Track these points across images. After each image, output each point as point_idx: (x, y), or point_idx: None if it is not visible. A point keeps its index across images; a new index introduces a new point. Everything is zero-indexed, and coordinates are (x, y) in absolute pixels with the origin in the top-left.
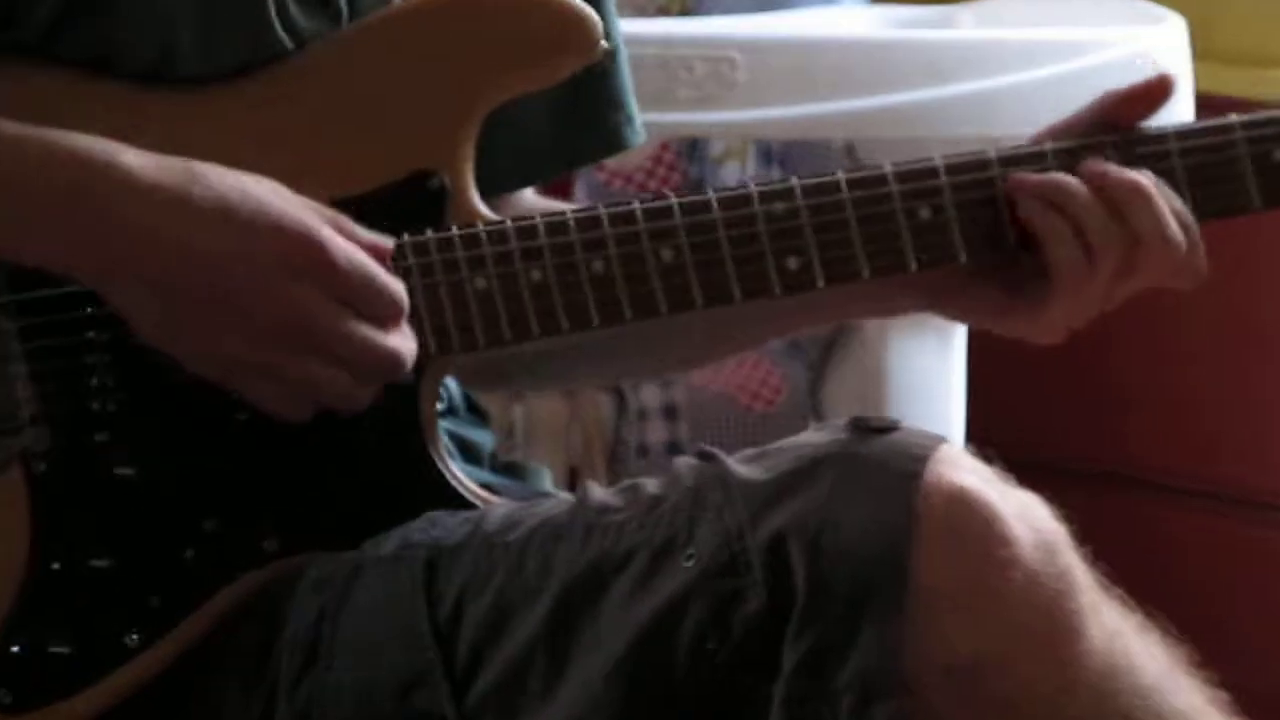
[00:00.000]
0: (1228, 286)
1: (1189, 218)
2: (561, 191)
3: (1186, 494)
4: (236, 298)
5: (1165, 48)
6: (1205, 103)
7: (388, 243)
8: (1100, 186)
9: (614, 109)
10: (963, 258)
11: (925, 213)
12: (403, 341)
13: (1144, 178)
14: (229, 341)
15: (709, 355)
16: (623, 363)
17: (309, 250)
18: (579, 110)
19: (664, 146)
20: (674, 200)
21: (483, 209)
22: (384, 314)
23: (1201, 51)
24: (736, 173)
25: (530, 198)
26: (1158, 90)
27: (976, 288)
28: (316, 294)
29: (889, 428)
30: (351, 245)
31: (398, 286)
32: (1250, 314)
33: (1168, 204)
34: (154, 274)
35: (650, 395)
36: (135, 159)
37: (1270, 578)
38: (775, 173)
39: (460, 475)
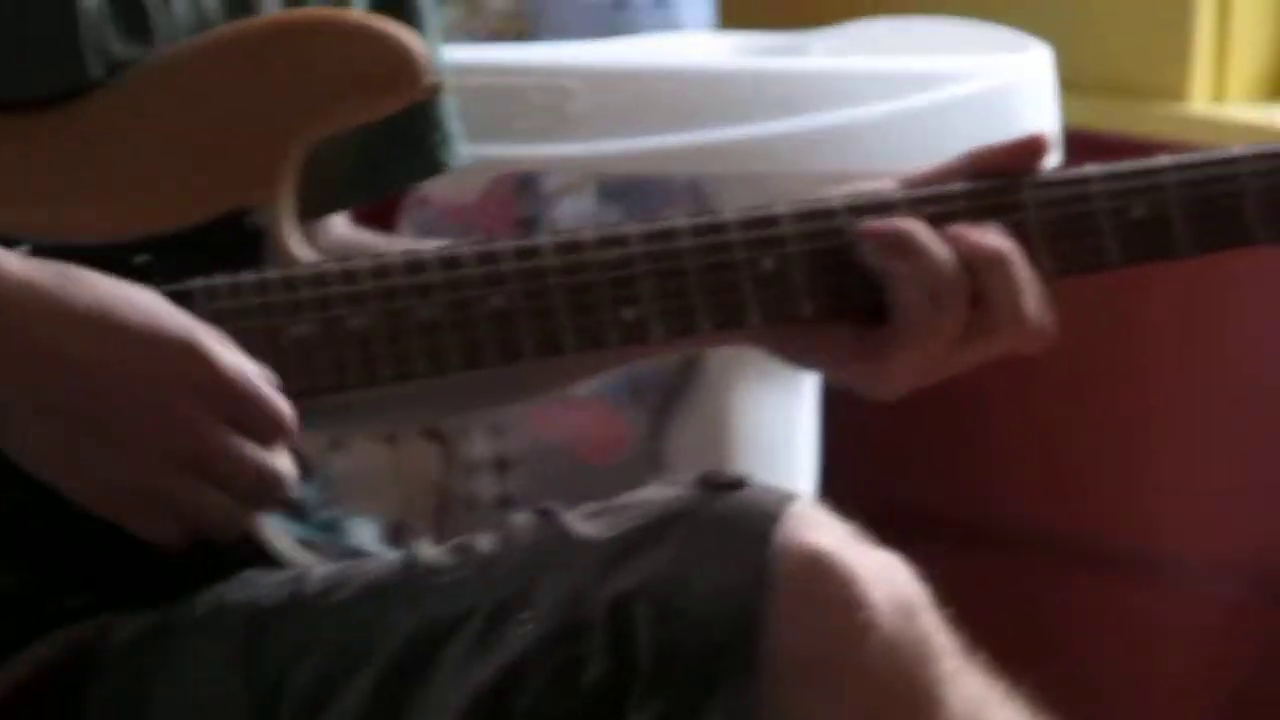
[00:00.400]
0: (1098, 335)
1: (1039, 287)
2: (385, 223)
3: (1061, 551)
4: (120, 414)
5: (1030, 78)
6: (1072, 136)
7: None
8: (956, 247)
9: (429, 129)
10: (807, 311)
11: (768, 263)
12: (285, 460)
13: (1004, 244)
14: (111, 464)
15: (547, 387)
16: (453, 400)
17: (195, 363)
18: (390, 132)
19: (497, 181)
20: (506, 244)
21: (303, 250)
22: (269, 431)
23: (1068, 82)
24: (574, 209)
25: (343, 228)
26: (1031, 150)
27: (818, 333)
28: (204, 412)
29: (738, 484)
30: (237, 357)
31: (282, 402)
32: (1124, 365)
33: (1025, 273)
34: (26, 382)
35: (480, 446)
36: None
37: (1148, 638)
38: (615, 209)
39: (277, 532)
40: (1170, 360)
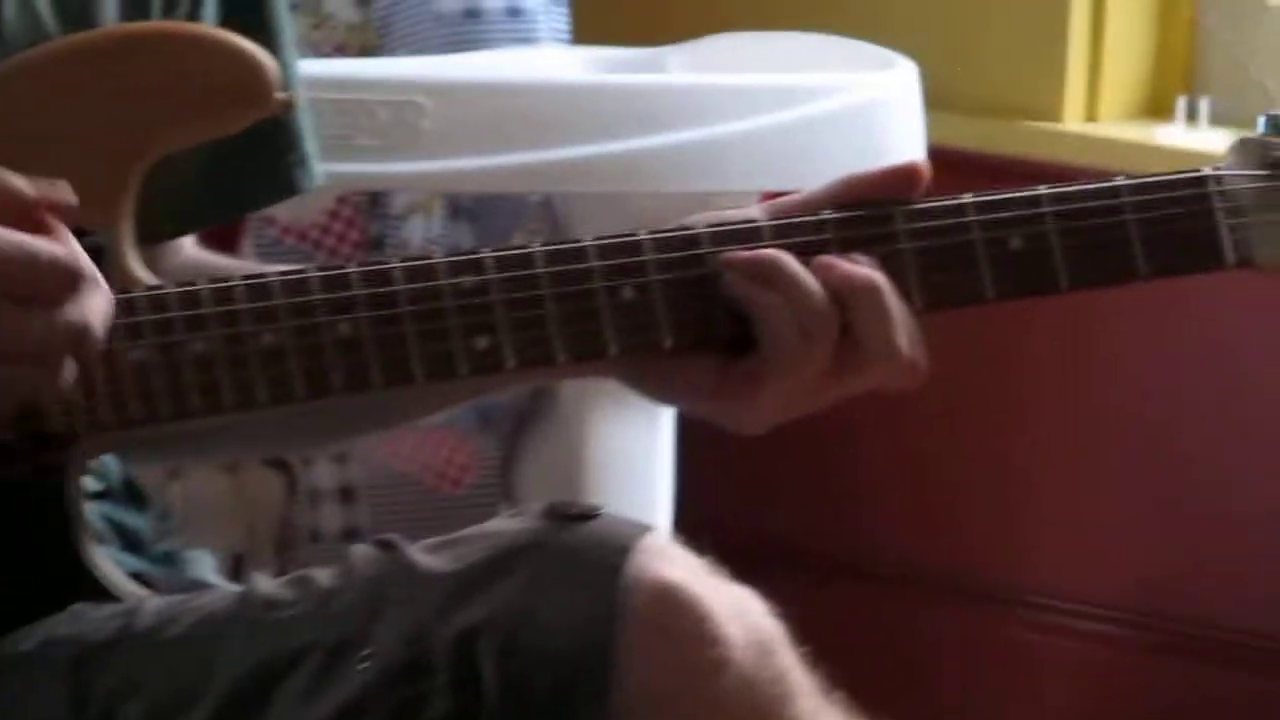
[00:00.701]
0: (973, 367)
1: (911, 321)
2: (227, 244)
3: (930, 589)
4: None
5: (896, 95)
6: (938, 155)
7: (61, 194)
8: (825, 278)
9: (285, 149)
10: (668, 343)
11: (628, 292)
12: (84, 304)
13: (875, 275)
14: None
15: (398, 419)
16: (300, 432)
17: None
18: (244, 151)
19: (342, 200)
20: (353, 269)
21: (142, 272)
22: (57, 289)
23: (935, 100)
24: (422, 229)
25: (190, 250)
26: (906, 178)
27: (680, 367)
28: None
29: (589, 515)
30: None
31: (63, 250)
32: (999, 398)
33: (896, 306)
34: None
35: (324, 475)
36: None
37: (1021, 675)
38: (466, 229)
39: (109, 564)
40: (1047, 395)
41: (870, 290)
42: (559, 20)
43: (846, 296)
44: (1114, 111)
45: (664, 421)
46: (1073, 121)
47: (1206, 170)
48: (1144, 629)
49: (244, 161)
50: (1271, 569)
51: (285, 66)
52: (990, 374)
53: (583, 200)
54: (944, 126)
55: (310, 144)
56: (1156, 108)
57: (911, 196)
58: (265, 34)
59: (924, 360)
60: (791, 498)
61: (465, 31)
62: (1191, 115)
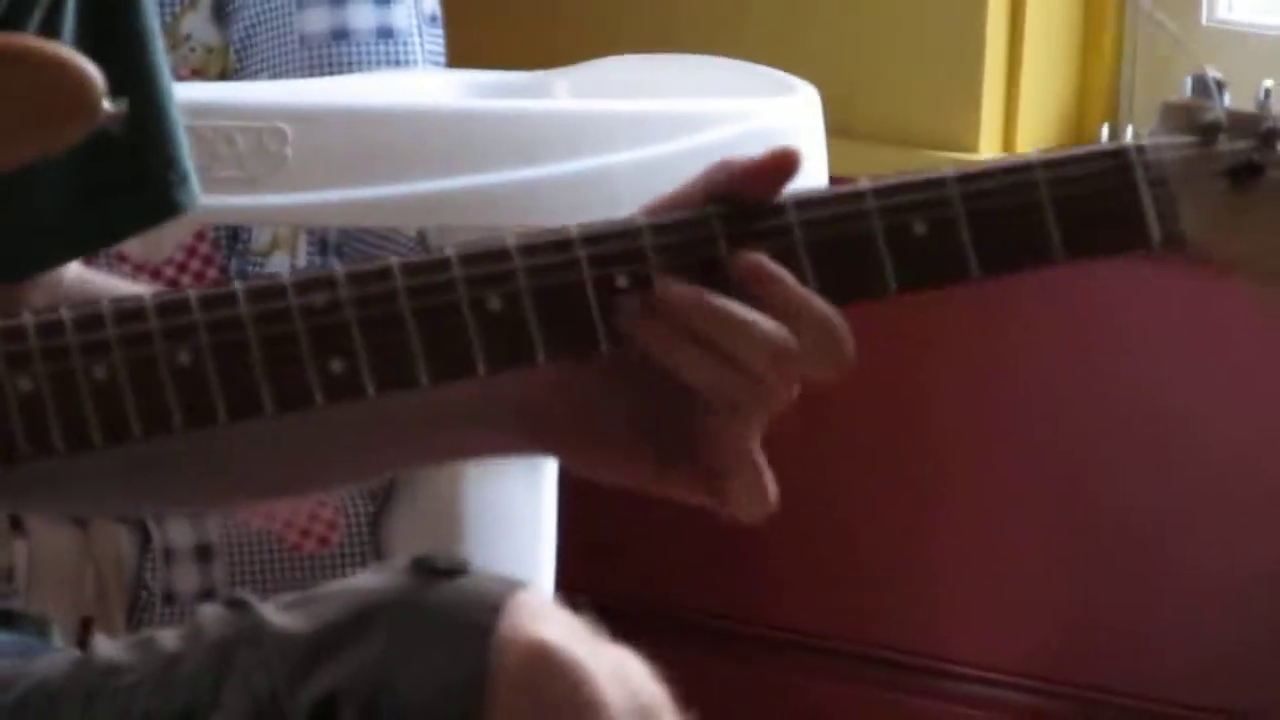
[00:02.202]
0: (872, 419)
1: (808, 299)
2: None
3: (826, 653)
4: None
5: (797, 121)
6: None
7: None
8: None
9: (163, 166)
10: (540, 357)
11: (495, 303)
12: None
13: (765, 260)
14: None
15: (253, 493)
16: (159, 489)
17: None
18: (116, 170)
19: (199, 235)
20: (191, 293)
21: None
22: None
23: (837, 128)
24: (285, 266)
25: (75, 273)
26: (781, 165)
27: (598, 426)
28: None
29: (458, 570)
30: None
31: None
32: (903, 447)
33: (785, 290)
34: None
35: (180, 532)
36: None
37: None
38: (333, 266)
39: None
40: (954, 452)
41: (764, 274)
42: (434, 42)
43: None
44: (1032, 141)
45: (546, 475)
46: (989, 151)
47: (1128, 139)
48: (1054, 697)
49: (116, 182)
50: (1185, 635)
51: (154, 80)
52: (892, 427)
53: (458, 235)
54: (851, 156)
55: (188, 161)
56: (1079, 137)
57: (782, 186)
58: (129, 49)
59: (848, 346)
60: (678, 556)
61: (332, 54)
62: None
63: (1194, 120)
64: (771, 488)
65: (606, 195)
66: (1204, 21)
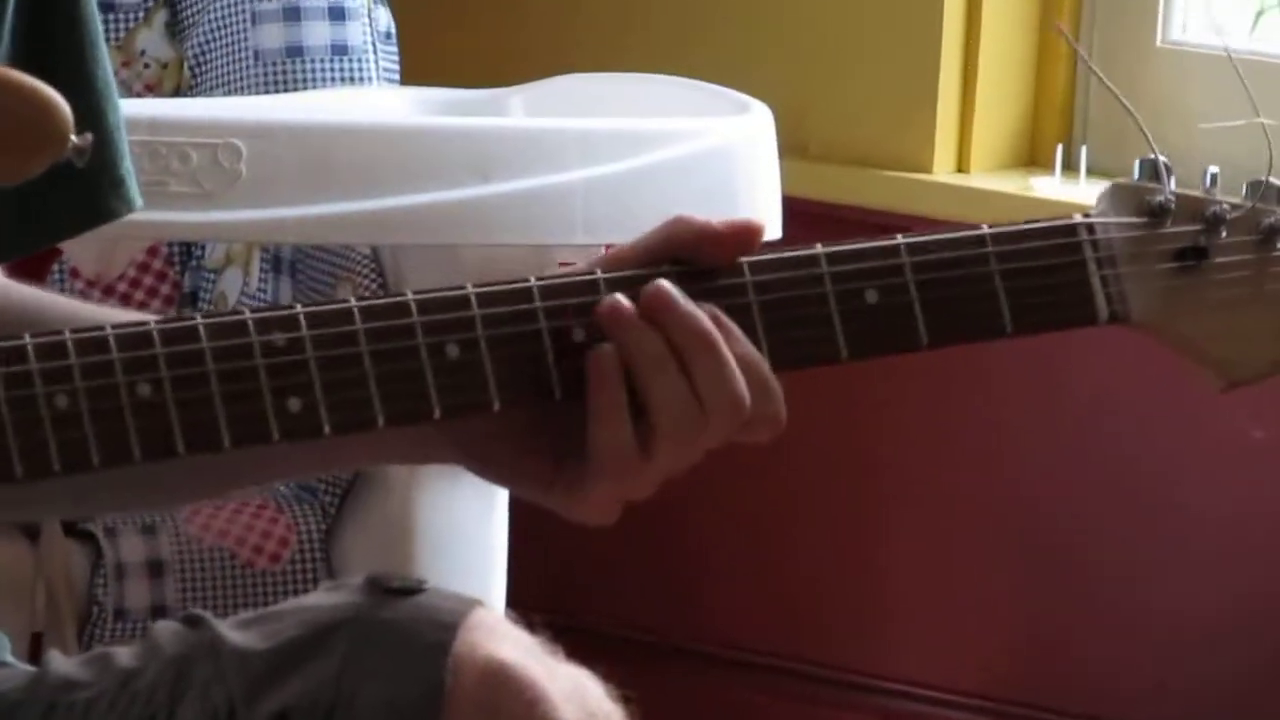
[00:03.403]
0: (824, 440)
1: (759, 360)
2: None
3: (777, 672)
4: None
5: (749, 141)
6: (794, 205)
7: None
8: (657, 321)
9: (98, 169)
10: (496, 405)
11: (453, 350)
12: None
13: (708, 322)
14: None
15: (201, 493)
16: (100, 494)
17: None
18: (51, 173)
19: (152, 251)
20: (153, 325)
21: None
22: None
23: (791, 148)
24: (238, 282)
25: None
26: (744, 237)
27: (517, 447)
28: None
29: (413, 589)
30: None
31: None
32: (852, 466)
33: (736, 346)
34: None
35: (131, 548)
36: None
37: None
38: (285, 284)
39: None
40: (904, 471)
41: (704, 337)
42: (389, 59)
43: (681, 346)
44: (987, 161)
45: (498, 492)
46: (942, 171)
47: (1077, 218)
48: (1003, 717)
49: (52, 184)
50: (1134, 656)
51: (94, 85)
52: (841, 445)
53: (413, 253)
54: (805, 176)
55: (128, 165)
56: (1034, 158)
57: (742, 255)
58: (71, 52)
59: (781, 411)
60: (631, 574)
61: (286, 70)
62: (1070, 165)
63: (1142, 203)
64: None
65: (560, 213)
66: (1157, 43)
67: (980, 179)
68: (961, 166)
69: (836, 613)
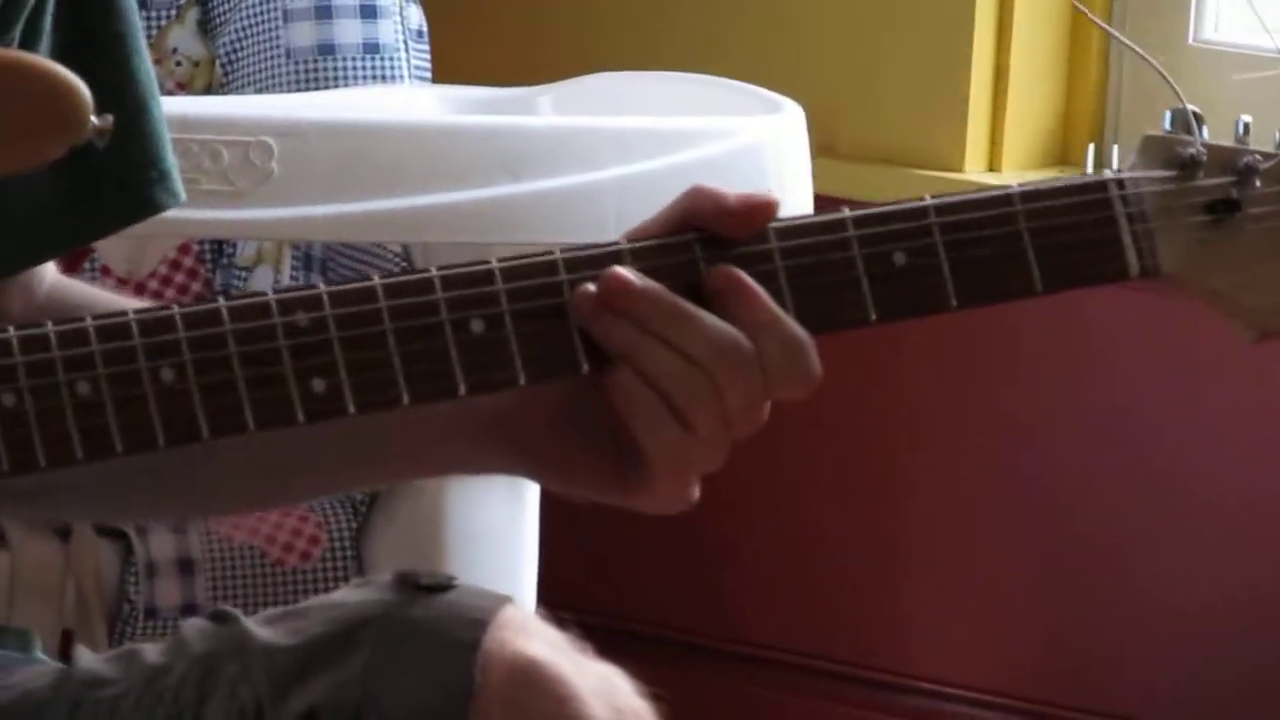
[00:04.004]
0: (852, 437)
1: (779, 317)
2: None
3: (807, 670)
4: None
5: (781, 140)
6: (824, 203)
7: None
8: (616, 307)
9: (144, 163)
10: (522, 379)
11: (478, 325)
12: None
13: (740, 273)
14: None
15: (240, 504)
16: (129, 498)
17: None
18: (96, 168)
19: (183, 249)
20: (176, 310)
21: None
22: None
23: (823, 147)
24: (269, 280)
25: (54, 279)
26: (759, 211)
27: (576, 467)
28: None
29: (443, 585)
30: None
31: None
32: (881, 463)
33: (757, 307)
34: None
35: (162, 545)
36: None
37: None
38: (316, 282)
39: None
40: (932, 467)
41: (740, 285)
42: (420, 57)
43: (721, 301)
44: (1018, 160)
45: (528, 490)
46: (973, 170)
47: (1107, 174)
48: (1028, 715)
49: (97, 180)
50: (1161, 655)
51: (136, 78)
52: (868, 443)
53: (443, 251)
54: (836, 175)
55: (171, 159)
56: (1065, 156)
57: (756, 229)
58: (111, 47)
59: (815, 367)
60: (661, 572)
61: (318, 68)
62: (1101, 164)
63: (1173, 155)
64: (690, 496)
65: (591, 212)
66: (1189, 41)
67: (1011, 178)
68: (993, 165)
69: (864, 611)
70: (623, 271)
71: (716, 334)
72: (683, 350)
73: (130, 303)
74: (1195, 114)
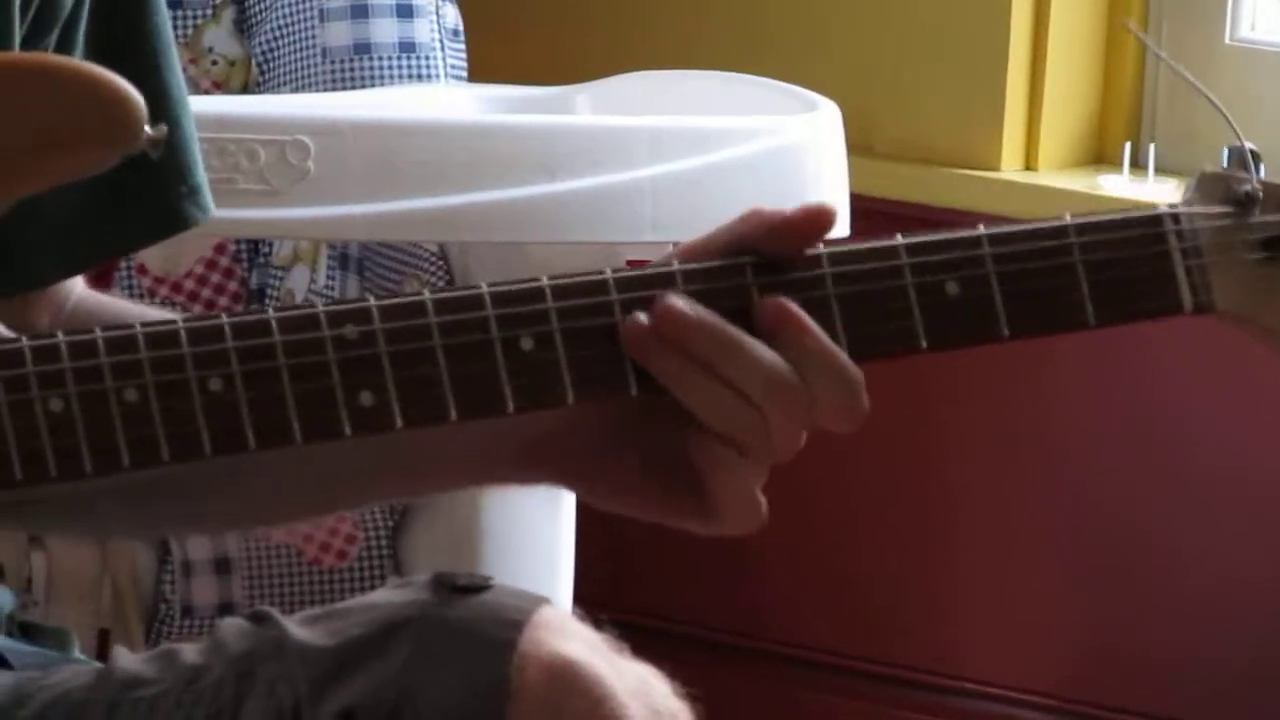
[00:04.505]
0: (892, 438)
1: (831, 350)
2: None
3: (851, 673)
4: None
5: (818, 139)
6: (861, 203)
7: None
8: (670, 338)
9: (173, 179)
10: (570, 399)
11: (527, 343)
12: None
13: (789, 303)
14: None
15: (270, 516)
16: (159, 511)
17: None
18: (127, 182)
19: (219, 248)
20: (225, 320)
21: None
22: None
23: (859, 146)
24: (305, 280)
25: (82, 292)
26: (815, 222)
27: (620, 460)
28: None
29: (479, 586)
30: None
31: None
32: (921, 464)
33: (808, 338)
34: None
35: (198, 545)
36: None
37: None
38: (352, 281)
39: None
40: (973, 468)
41: (791, 318)
42: (456, 56)
43: (772, 332)
44: (1055, 159)
45: (565, 491)
46: (1010, 170)
47: (1163, 208)
48: (1070, 716)
49: (127, 193)
50: (1204, 656)
51: (167, 91)
52: (907, 445)
53: (480, 250)
54: (872, 174)
55: (201, 174)
56: (1101, 155)
57: (815, 242)
58: (143, 59)
59: (863, 400)
60: (698, 572)
61: (354, 68)
62: (1138, 163)
63: (1229, 191)
64: (762, 514)
65: (629, 211)
66: (1226, 40)
67: (1048, 177)
68: (1029, 164)
69: (902, 612)
70: (677, 301)
71: (768, 367)
72: (733, 384)
73: (158, 315)
74: (1253, 152)
